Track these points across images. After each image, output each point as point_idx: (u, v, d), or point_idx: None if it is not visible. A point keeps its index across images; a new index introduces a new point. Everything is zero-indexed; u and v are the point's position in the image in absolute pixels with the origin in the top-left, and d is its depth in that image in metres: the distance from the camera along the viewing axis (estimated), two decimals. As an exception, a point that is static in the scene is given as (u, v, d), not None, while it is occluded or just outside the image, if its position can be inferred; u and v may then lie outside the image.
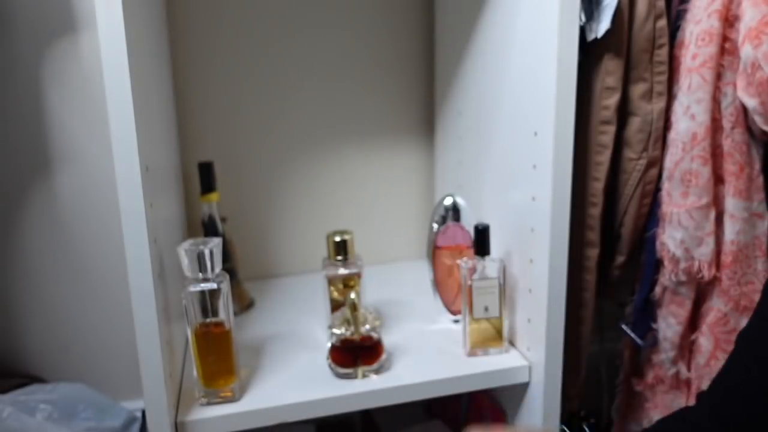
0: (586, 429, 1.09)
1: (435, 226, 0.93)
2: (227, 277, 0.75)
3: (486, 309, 0.83)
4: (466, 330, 0.84)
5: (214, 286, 0.72)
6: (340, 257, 0.87)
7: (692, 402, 0.89)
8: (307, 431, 1.08)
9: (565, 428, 0.82)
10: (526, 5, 0.77)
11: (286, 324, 0.96)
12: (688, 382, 0.89)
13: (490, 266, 0.83)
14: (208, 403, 0.74)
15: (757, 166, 0.80)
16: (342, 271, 0.87)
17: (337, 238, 0.86)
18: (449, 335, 0.90)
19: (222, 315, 0.74)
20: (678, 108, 0.81)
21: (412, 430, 1.10)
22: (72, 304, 1.05)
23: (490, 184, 0.92)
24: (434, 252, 0.93)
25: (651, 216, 0.87)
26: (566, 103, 0.72)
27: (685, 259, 0.82)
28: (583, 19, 0.77)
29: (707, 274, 0.81)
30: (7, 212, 1.00)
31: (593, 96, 0.84)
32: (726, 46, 0.77)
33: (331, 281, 0.87)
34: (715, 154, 0.80)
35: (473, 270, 0.83)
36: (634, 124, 0.84)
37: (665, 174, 0.84)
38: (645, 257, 0.89)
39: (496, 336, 0.84)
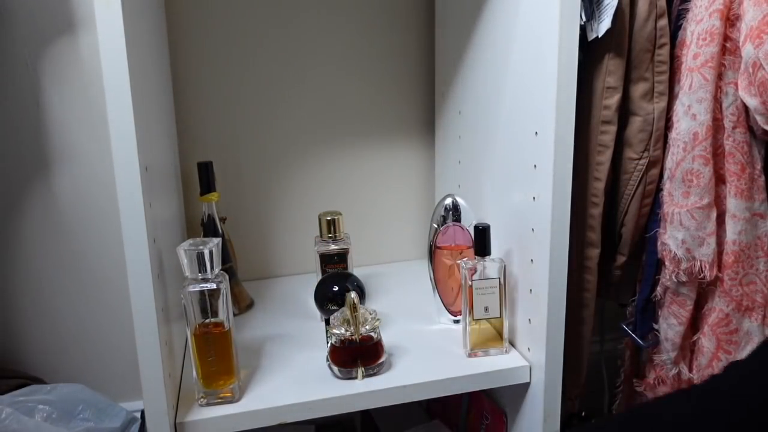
0: None
1: (435, 226, 0.93)
2: (227, 277, 0.74)
3: (486, 309, 0.83)
4: (466, 330, 0.84)
5: (214, 286, 0.72)
6: (330, 235, 0.95)
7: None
8: (307, 431, 1.08)
9: None
10: (526, 5, 0.76)
11: (286, 324, 0.96)
12: (689, 383, 0.89)
13: (490, 266, 0.83)
14: (208, 404, 0.74)
15: (759, 166, 0.80)
16: (333, 247, 0.95)
17: (328, 218, 0.96)
18: (449, 335, 0.90)
19: (221, 315, 0.74)
20: (679, 108, 0.81)
21: (412, 430, 1.10)
22: (71, 305, 1.05)
23: (490, 184, 0.92)
24: (434, 252, 0.93)
25: (652, 216, 0.87)
26: (567, 103, 0.72)
27: (687, 259, 0.82)
28: (584, 18, 0.77)
29: (709, 274, 0.81)
30: (6, 212, 1.00)
31: (594, 96, 0.83)
32: (727, 46, 0.77)
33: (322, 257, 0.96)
34: (717, 154, 0.80)
35: (473, 270, 0.82)
36: (635, 123, 0.84)
37: (666, 174, 0.83)
38: (646, 257, 0.89)
39: (497, 336, 0.84)
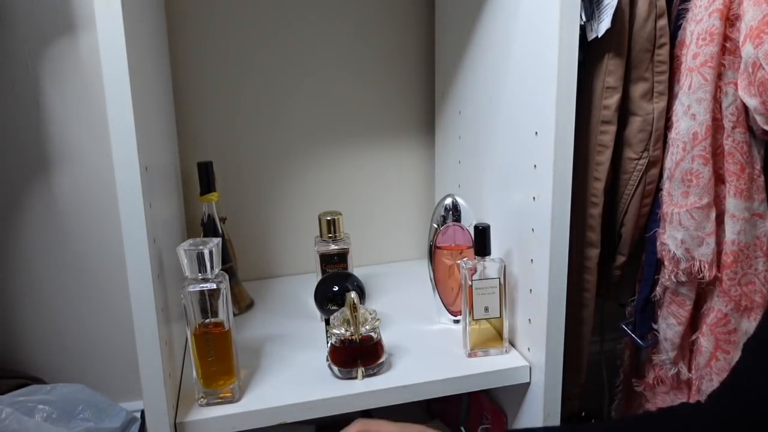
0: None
1: (435, 226, 0.93)
2: (227, 277, 0.74)
3: (486, 309, 0.83)
4: (466, 330, 0.84)
5: (214, 286, 0.72)
6: (330, 235, 0.95)
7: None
8: (307, 431, 1.08)
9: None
10: (526, 5, 0.76)
11: (286, 324, 0.96)
12: (688, 383, 0.89)
13: (490, 266, 0.83)
14: (208, 404, 0.74)
15: (758, 165, 0.80)
16: (333, 247, 0.95)
17: (328, 218, 0.95)
18: (449, 335, 0.90)
19: (221, 315, 0.74)
20: (679, 108, 0.81)
21: (412, 430, 1.10)
22: (71, 305, 1.05)
23: (490, 184, 0.92)
24: (434, 252, 0.93)
25: (652, 216, 0.87)
26: (567, 103, 0.72)
27: (686, 259, 0.82)
28: (584, 18, 0.77)
29: (708, 274, 0.81)
30: (6, 212, 1.00)
31: (594, 96, 0.83)
32: (727, 46, 0.77)
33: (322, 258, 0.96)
34: (716, 154, 0.80)
35: (473, 270, 0.83)
36: (635, 123, 0.84)
37: (666, 174, 0.83)
38: (646, 257, 0.89)
39: (497, 336, 0.84)
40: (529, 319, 0.82)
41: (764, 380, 0.59)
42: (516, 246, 0.84)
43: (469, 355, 0.84)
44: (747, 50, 0.72)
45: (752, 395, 0.59)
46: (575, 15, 0.70)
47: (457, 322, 0.93)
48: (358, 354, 0.79)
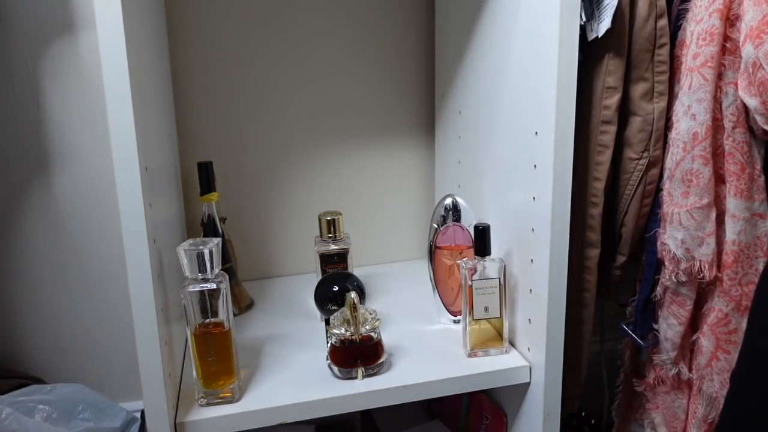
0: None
1: (435, 226, 0.93)
2: (227, 277, 0.74)
3: (486, 309, 0.83)
4: (466, 330, 0.84)
5: (214, 286, 0.72)
6: (330, 235, 0.95)
7: (693, 402, 0.89)
8: (307, 431, 1.08)
9: None
10: (526, 5, 0.77)
11: (286, 324, 0.96)
12: (689, 383, 0.89)
13: (490, 266, 0.83)
14: (208, 404, 0.74)
15: (759, 166, 0.80)
16: (333, 247, 0.95)
17: (328, 218, 0.96)
18: (449, 335, 0.90)
19: (221, 315, 0.74)
20: (679, 108, 0.81)
21: (412, 430, 1.10)
22: (71, 305, 1.05)
23: (490, 184, 0.92)
24: (434, 252, 0.93)
25: (652, 216, 0.87)
26: (567, 103, 0.72)
27: (686, 259, 0.82)
28: (584, 18, 0.77)
29: (708, 274, 0.81)
30: (6, 212, 1.00)
31: (594, 96, 0.83)
32: (727, 46, 0.77)
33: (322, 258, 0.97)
34: (716, 154, 0.80)
35: (473, 270, 0.83)
36: (635, 123, 0.84)
37: (666, 174, 0.83)
38: (646, 257, 0.89)
39: (497, 336, 0.84)
40: (529, 319, 0.82)
41: (757, 405, 0.59)
42: (516, 246, 0.84)
43: (469, 355, 0.84)
44: (747, 50, 0.72)
45: (749, 424, 0.60)
46: (575, 15, 0.70)
47: (457, 322, 0.93)
48: (358, 354, 0.79)
